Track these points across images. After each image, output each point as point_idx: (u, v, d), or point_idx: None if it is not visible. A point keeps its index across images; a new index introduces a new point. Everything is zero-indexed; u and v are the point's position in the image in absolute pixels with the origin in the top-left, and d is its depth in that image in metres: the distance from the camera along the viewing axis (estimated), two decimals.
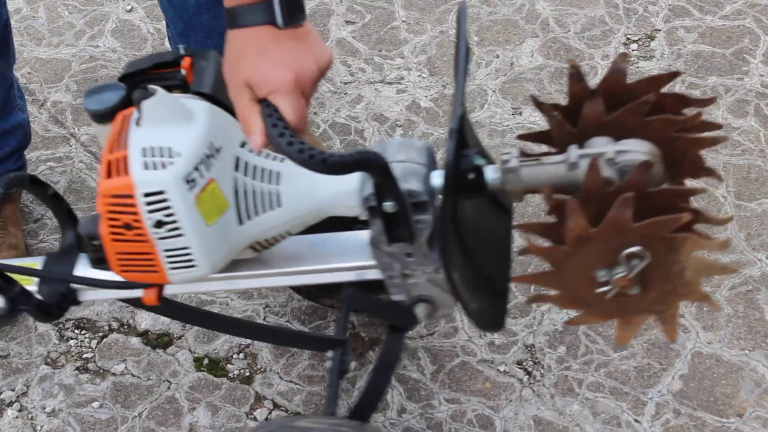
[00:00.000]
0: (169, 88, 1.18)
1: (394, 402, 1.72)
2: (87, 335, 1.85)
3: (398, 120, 2.18)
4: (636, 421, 1.68)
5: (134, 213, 1.11)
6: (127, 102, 1.19)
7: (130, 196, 1.09)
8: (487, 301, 1.25)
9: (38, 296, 1.32)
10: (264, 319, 1.85)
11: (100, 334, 1.85)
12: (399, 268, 1.20)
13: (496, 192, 1.14)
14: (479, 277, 1.23)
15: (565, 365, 1.75)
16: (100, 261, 1.22)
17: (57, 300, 1.32)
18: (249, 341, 1.81)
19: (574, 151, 1.08)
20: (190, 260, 1.16)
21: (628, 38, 2.33)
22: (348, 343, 1.61)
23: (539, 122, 2.12)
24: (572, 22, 2.37)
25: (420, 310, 1.26)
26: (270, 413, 1.72)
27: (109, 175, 1.10)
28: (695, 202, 1.09)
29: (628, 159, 1.05)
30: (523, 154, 1.11)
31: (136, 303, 1.31)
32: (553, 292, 1.11)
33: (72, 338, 1.85)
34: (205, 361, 1.80)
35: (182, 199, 1.10)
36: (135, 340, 1.84)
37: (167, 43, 2.06)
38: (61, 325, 1.86)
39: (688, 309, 1.81)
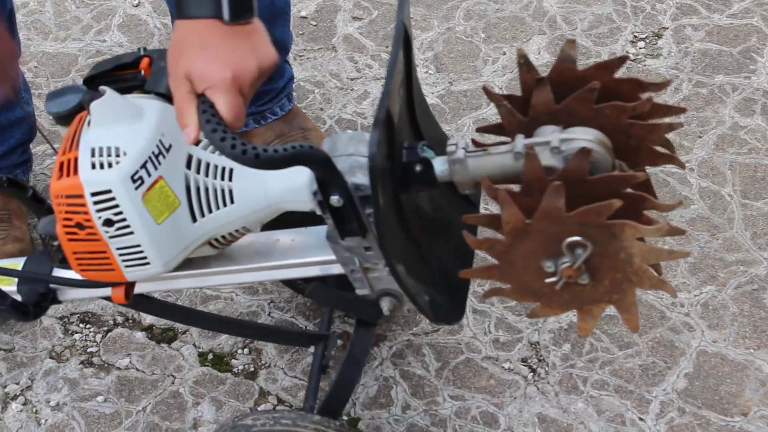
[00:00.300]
0: (130, 89, 1.19)
1: (399, 398, 1.72)
2: (92, 329, 1.85)
3: None
4: (640, 419, 1.67)
5: (85, 212, 1.13)
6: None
7: (80, 196, 1.12)
8: (443, 294, 1.23)
9: (17, 296, 1.33)
10: (269, 314, 1.85)
11: (105, 328, 1.86)
12: (359, 262, 1.20)
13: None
14: (433, 270, 1.21)
15: (569, 363, 1.75)
16: (63, 261, 1.24)
17: (35, 300, 1.33)
18: None
19: (519, 141, 1.06)
20: (143, 258, 1.17)
21: (636, 36, 2.32)
22: (330, 338, 1.60)
23: None
24: (579, 19, 2.37)
25: (385, 303, 1.25)
26: (274, 408, 1.72)
27: (60, 176, 1.13)
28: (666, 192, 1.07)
29: (573, 147, 1.02)
30: (476, 145, 1.10)
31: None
32: (505, 286, 1.08)
33: (77, 332, 1.85)
34: (210, 356, 1.80)
35: (129, 198, 1.11)
36: (140, 335, 1.84)
37: None
38: (66, 319, 1.87)
39: (694, 308, 1.81)
